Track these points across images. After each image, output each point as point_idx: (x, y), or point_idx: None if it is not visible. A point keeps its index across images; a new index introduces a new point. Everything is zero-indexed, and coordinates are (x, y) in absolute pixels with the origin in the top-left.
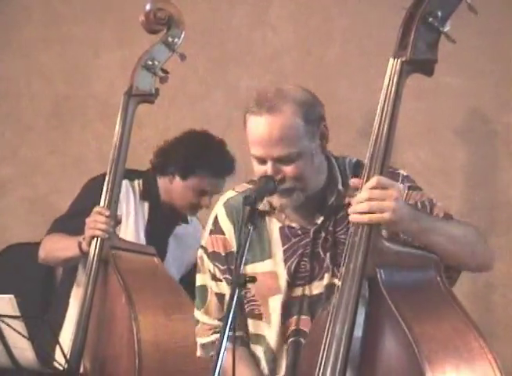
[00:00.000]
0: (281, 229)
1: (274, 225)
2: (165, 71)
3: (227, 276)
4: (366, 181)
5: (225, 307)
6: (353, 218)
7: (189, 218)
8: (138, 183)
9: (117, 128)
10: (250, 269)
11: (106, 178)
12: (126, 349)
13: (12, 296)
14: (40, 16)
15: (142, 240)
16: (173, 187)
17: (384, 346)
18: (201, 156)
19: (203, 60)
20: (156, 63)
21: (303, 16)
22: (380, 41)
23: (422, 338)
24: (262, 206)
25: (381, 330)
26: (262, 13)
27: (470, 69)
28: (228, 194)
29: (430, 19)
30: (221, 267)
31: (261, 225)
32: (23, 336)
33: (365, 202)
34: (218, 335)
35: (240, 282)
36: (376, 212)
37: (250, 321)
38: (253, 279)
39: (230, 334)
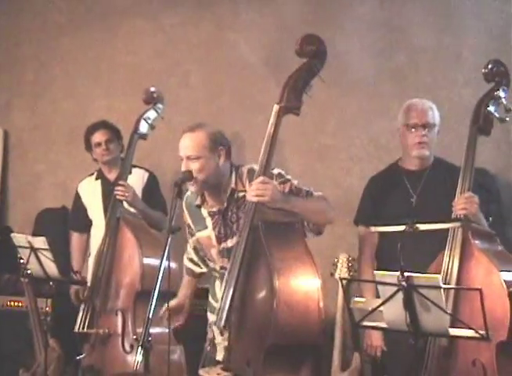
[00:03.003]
0: (209, 212)
1: (205, 211)
2: (153, 126)
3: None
4: (256, 178)
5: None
6: (248, 198)
7: (134, 170)
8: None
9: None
10: (199, 234)
11: None
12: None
13: (44, 238)
14: (62, 80)
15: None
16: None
17: (257, 269)
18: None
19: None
20: (151, 118)
21: (210, 83)
22: (254, 96)
23: (277, 261)
24: (197, 201)
25: (257, 260)
26: (185, 78)
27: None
28: (188, 193)
29: (299, 85)
30: (188, 229)
31: (199, 212)
32: (51, 260)
33: (255, 190)
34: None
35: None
36: (260, 196)
37: (208, 262)
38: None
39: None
